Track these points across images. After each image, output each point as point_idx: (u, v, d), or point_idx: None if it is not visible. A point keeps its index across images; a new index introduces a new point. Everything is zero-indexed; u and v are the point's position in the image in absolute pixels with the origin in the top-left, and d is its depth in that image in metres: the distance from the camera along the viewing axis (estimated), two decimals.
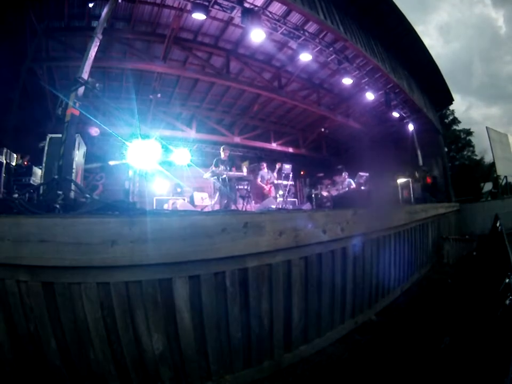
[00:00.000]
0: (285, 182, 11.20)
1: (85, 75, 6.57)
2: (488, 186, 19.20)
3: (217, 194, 8.78)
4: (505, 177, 17.05)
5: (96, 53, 6.87)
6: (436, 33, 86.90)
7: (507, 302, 2.94)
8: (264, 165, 11.13)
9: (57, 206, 4.12)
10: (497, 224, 8.41)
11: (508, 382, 1.86)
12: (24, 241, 2.42)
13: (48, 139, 6.81)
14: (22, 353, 2.54)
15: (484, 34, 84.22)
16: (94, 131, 8.89)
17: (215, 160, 8.90)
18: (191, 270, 2.89)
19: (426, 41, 13.75)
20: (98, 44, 6.89)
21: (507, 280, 3.39)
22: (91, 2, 7.96)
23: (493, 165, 17.30)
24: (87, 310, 2.58)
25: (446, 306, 5.35)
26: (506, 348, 2.24)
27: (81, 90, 6.47)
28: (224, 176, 8.53)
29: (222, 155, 9.07)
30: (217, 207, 8.65)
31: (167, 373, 2.83)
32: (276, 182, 10.93)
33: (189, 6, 8.39)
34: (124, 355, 2.70)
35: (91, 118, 7.52)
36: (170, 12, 9.28)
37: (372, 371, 3.54)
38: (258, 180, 10.61)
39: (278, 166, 11.30)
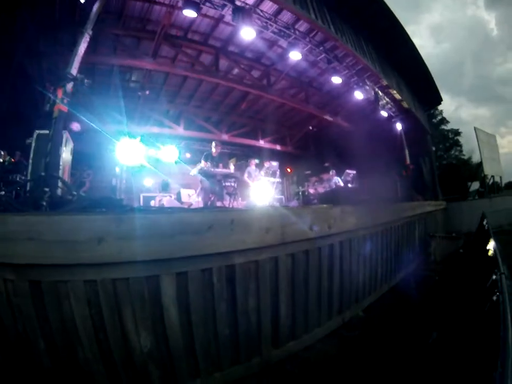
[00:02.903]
0: (272, 179, 11.17)
1: (74, 71, 6.52)
2: (475, 185, 19.42)
3: (204, 191, 8.73)
4: (492, 176, 17.29)
5: (85, 49, 6.82)
6: (428, 33, 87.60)
7: (494, 298, 2.98)
8: (253, 161, 11.09)
9: (44, 203, 4.09)
10: (484, 223, 8.51)
11: (497, 376, 1.89)
12: (11, 239, 2.40)
13: (35, 135, 6.75)
14: (10, 352, 2.52)
15: (475, 35, 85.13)
16: (75, 126, 8.79)
17: (204, 154, 8.80)
18: (178, 266, 2.89)
19: (418, 41, 13.94)
20: (88, 39, 6.85)
21: (494, 277, 3.43)
22: None
23: (480, 164, 17.52)
24: (74, 309, 2.57)
25: (433, 302, 5.40)
26: (494, 343, 2.28)
27: (69, 86, 6.42)
28: (212, 172, 8.48)
29: (214, 150, 8.98)
30: (203, 204, 8.62)
31: (155, 371, 2.83)
32: (262, 179, 10.90)
33: (180, 3, 8.36)
34: (113, 353, 2.69)
35: (77, 114, 7.44)
36: (161, 9, 9.23)
37: (360, 367, 3.58)
38: (245, 175, 10.57)
39: (266, 164, 11.27)
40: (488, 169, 16.85)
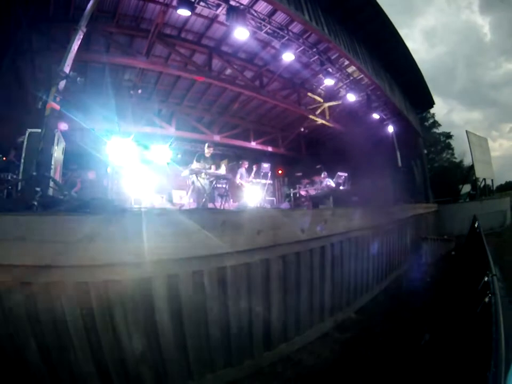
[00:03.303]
0: (263, 181, 11.15)
1: (67, 68, 6.44)
2: (466, 188, 19.62)
3: (195, 192, 8.67)
4: (484, 179, 17.44)
5: (78, 46, 6.76)
6: (421, 37, 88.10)
7: (486, 299, 3.00)
8: (245, 163, 11.07)
9: (35, 203, 4.05)
10: (476, 225, 8.57)
11: (490, 376, 1.91)
12: (1, 239, 2.37)
13: (27, 134, 6.68)
14: (1, 354, 2.49)
15: (469, 40, 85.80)
16: (63, 126, 8.68)
17: (197, 155, 8.73)
18: (170, 268, 2.89)
19: (411, 45, 13.97)
20: (81, 37, 6.77)
21: (486, 279, 3.46)
22: None
23: (471, 167, 17.68)
24: (66, 310, 2.54)
25: (426, 304, 5.43)
26: (486, 343, 2.30)
27: (62, 84, 6.36)
28: (203, 174, 8.43)
29: (206, 151, 8.91)
30: (194, 205, 8.57)
31: (147, 373, 2.82)
32: (253, 181, 10.88)
33: (174, 2, 8.32)
34: (104, 355, 2.67)
35: (68, 112, 7.36)
36: (155, 7, 9.15)
37: (353, 368, 3.58)
38: (238, 177, 10.56)
39: (255, 167, 11.23)
40: (479, 172, 17.02)
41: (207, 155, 8.84)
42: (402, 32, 12.71)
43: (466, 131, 17.36)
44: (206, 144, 9.09)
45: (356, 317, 5.27)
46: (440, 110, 78.20)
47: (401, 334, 4.31)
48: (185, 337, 2.99)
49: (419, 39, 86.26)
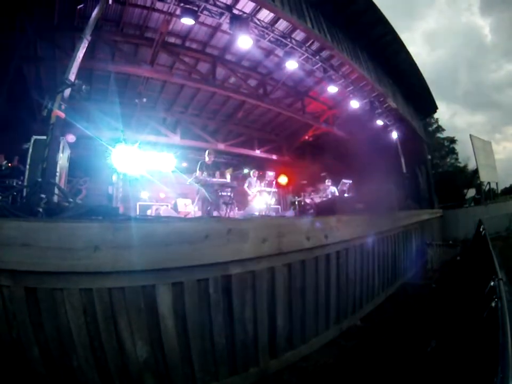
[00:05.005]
0: (268, 189, 11.16)
1: (72, 76, 6.48)
2: (471, 192, 19.52)
3: (200, 200, 8.67)
4: (488, 183, 17.34)
5: (83, 55, 6.80)
6: (422, 41, 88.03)
7: (492, 304, 2.98)
8: (256, 173, 11.12)
9: (40, 209, 4.06)
10: (481, 229, 8.52)
11: (498, 381, 1.89)
12: (6, 245, 2.39)
13: (32, 141, 6.73)
14: (4, 359, 2.49)
15: (470, 42, 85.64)
16: (70, 138, 8.72)
17: (199, 163, 8.74)
18: (175, 276, 2.88)
19: (412, 49, 13.98)
20: (86, 45, 6.82)
21: (492, 283, 3.43)
22: (81, 3, 7.86)
23: (476, 171, 17.60)
24: (70, 317, 2.55)
25: (431, 310, 5.39)
26: (493, 349, 2.28)
27: (67, 92, 6.40)
28: (208, 182, 8.43)
29: (207, 159, 8.93)
30: (200, 213, 8.57)
31: (151, 381, 2.81)
32: (260, 189, 10.90)
33: (178, 11, 8.38)
34: (108, 362, 2.67)
35: (73, 121, 7.41)
36: (159, 16, 9.22)
37: (359, 376, 3.55)
38: (246, 185, 10.60)
39: (267, 177, 11.27)
40: (484, 176, 16.91)
41: (209, 163, 8.86)
42: (404, 36, 12.72)
43: (470, 135, 17.27)
44: (207, 152, 9.12)
45: (362, 324, 5.24)
46: (443, 114, 77.98)
47: (407, 341, 4.28)
48: (189, 344, 2.98)
49: (420, 42, 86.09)
